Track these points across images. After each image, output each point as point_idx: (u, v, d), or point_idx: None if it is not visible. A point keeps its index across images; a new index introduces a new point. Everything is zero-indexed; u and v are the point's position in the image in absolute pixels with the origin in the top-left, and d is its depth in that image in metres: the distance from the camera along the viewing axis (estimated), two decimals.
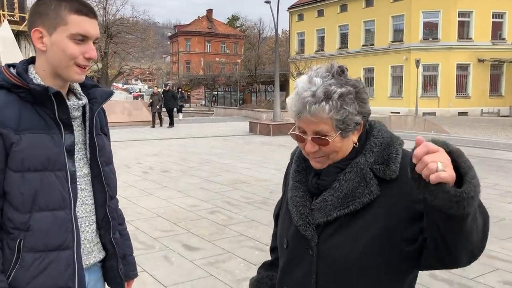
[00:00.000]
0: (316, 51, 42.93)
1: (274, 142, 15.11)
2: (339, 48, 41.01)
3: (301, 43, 45.74)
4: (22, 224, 1.39)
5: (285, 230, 1.43)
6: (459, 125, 25.72)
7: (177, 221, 5.99)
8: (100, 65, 33.37)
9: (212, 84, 51.21)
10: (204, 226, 5.80)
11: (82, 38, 1.40)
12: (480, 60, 34.18)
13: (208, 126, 21.97)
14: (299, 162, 1.42)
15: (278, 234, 1.48)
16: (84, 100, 1.53)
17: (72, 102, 1.48)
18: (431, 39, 34.58)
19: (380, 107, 31.29)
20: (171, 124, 20.61)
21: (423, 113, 31.65)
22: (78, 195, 1.49)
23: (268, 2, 20.90)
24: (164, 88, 21.37)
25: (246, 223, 5.97)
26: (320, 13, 43.17)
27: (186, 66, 68.69)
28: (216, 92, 56.49)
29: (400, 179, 1.24)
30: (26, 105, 1.40)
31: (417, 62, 31.79)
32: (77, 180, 1.49)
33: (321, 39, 43.54)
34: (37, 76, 1.45)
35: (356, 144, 1.31)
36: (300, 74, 35.11)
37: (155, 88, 22.52)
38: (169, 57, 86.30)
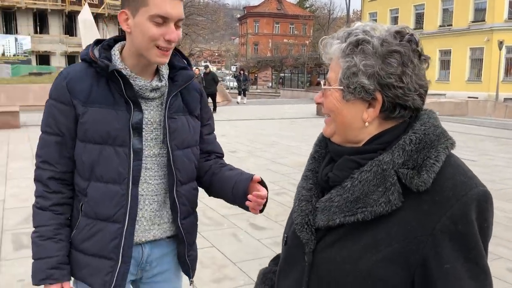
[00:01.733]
0: None
1: None
2: (414, 29, 38.81)
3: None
4: (83, 190, 1.49)
5: (288, 225, 1.23)
6: None
7: None
8: None
9: (280, 66, 51.04)
10: (271, 206, 5.84)
11: (162, 20, 1.38)
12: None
13: (275, 108, 21.99)
14: (319, 147, 1.20)
15: (285, 226, 1.28)
16: (161, 83, 1.52)
17: (144, 83, 1.48)
18: None
19: (456, 91, 29.65)
20: (214, 109, 18.07)
21: (505, 98, 29.52)
22: (141, 173, 1.50)
23: None
24: (205, 70, 19.24)
25: None
26: None
27: (254, 48, 68.90)
28: (283, 74, 56.33)
29: (432, 194, 0.96)
30: (100, 80, 1.46)
31: (500, 43, 29.59)
32: (144, 159, 1.50)
33: (395, 20, 41.69)
34: (118, 53, 1.49)
35: (366, 124, 1.04)
36: None
37: (196, 69, 19.99)
38: (237, 39, 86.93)
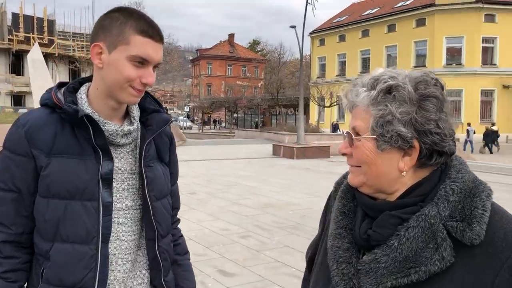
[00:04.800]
0: (337, 75, 42.95)
1: (299, 166, 14.94)
2: (361, 73, 40.88)
3: (322, 67, 45.87)
4: (45, 252, 1.32)
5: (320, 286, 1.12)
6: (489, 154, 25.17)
7: (210, 245, 5.88)
8: None
9: (234, 106, 51.58)
10: (238, 251, 5.68)
11: (142, 61, 1.29)
12: (505, 86, 33.70)
13: (231, 148, 21.97)
14: (346, 201, 1.11)
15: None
16: (133, 127, 1.40)
17: (115, 128, 1.34)
18: (454, 64, 34.28)
19: None
20: None
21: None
22: (113, 229, 1.35)
23: (294, 27, 21.12)
24: None
25: (280, 249, 5.82)
26: (342, 38, 43.35)
27: (208, 89, 69.43)
28: (236, 115, 56.85)
29: (483, 246, 0.92)
30: (65, 127, 1.32)
31: None
32: (114, 212, 1.35)
33: (343, 64, 43.61)
34: (84, 96, 1.37)
35: (403, 173, 0.99)
36: (322, 98, 35.31)
37: None
38: (190, 79, 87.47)
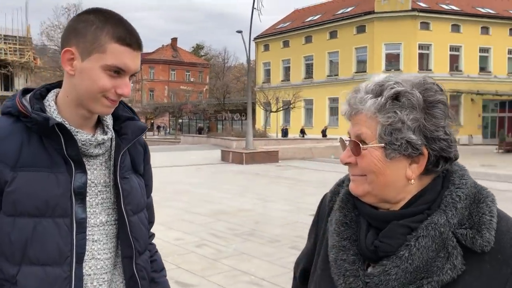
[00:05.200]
0: (282, 80, 43.53)
1: (249, 171, 14.93)
2: (305, 78, 41.75)
3: (267, 72, 46.32)
4: (11, 277, 1.17)
5: None
6: None
7: (164, 256, 5.62)
8: None
9: (178, 112, 50.89)
10: (194, 261, 5.52)
11: (118, 71, 1.19)
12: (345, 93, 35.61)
13: (178, 154, 21.59)
14: (347, 211, 1.06)
15: None
16: (108, 136, 1.29)
17: (88, 137, 1.24)
18: (393, 70, 35.75)
19: (346, 135, 31.82)
20: None
21: None
22: (87, 247, 1.23)
23: (240, 32, 21.16)
24: None
25: (237, 256, 5.73)
26: (286, 44, 44.00)
27: (150, 94, 68.05)
28: (181, 120, 56.12)
29: (493, 252, 0.91)
30: (32, 137, 1.19)
31: None
32: (89, 229, 1.24)
33: (287, 69, 44.27)
34: (53, 104, 1.24)
35: (411, 181, 0.96)
36: (268, 103, 35.62)
37: None
38: (132, 84, 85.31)
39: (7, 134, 1.18)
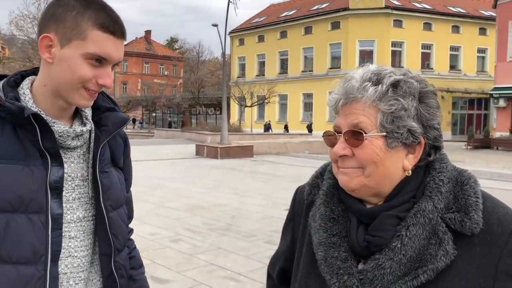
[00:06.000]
0: (256, 75, 43.52)
1: (224, 165, 14.87)
2: (279, 73, 41.84)
3: (242, 67, 46.22)
4: None
5: None
6: None
7: (139, 251, 5.60)
8: None
9: (152, 105, 50.25)
10: (170, 256, 5.46)
11: (99, 60, 1.12)
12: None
13: (152, 149, 21.31)
14: (333, 205, 1.02)
15: None
16: (87, 127, 1.23)
17: (66, 128, 1.17)
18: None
19: (319, 131, 32.13)
20: None
21: None
22: (63, 245, 1.18)
23: (216, 26, 21.00)
24: None
25: (213, 251, 5.70)
26: (261, 39, 43.98)
27: (123, 87, 66.96)
28: (155, 114, 55.47)
29: (481, 234, 0.91)
30: (5, 127, 1.12)
31: None
32: (65, 225, 1.18)
33: (262, 64, 44.27)
34: (28, 92, 1.17)
35: (408, 173, 0.95)
36: (243, 98, 35.55)
37: None
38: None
39: None
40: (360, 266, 0.96)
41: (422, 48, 36.91)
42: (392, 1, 35.84)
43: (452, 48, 37.66)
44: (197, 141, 22.51)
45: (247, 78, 42.34)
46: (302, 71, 40.10)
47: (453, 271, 0.89)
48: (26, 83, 1.20)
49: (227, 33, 46.94)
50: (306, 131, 32.33)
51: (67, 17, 1.11)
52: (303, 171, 13.38)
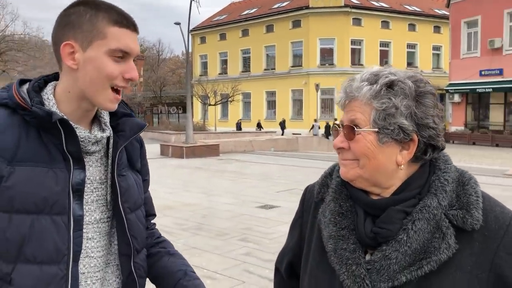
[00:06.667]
0: (219, 73, 43.44)
1: (190, 165, 14.80)
2: (242, 72, 41.92)
3: (204, 65, 46.00)
4: (5, 275, 1.14)
5: None
6: None
7: None
8: None
9: None
10: None
11: (122, 55, 1.18)
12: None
13: None
14: (342, 201, 1.10)
15: None
16: (106, 133, 1.27)
17: (87, 134, 1.22)
18: (327, 64, 36.85)
19: (278, 128, 32.52)
20: None
21: (322, 134, 33.48)
22: (82, 245, 1.22)
23: (178, 24, 20.82)
24: None
25: (187, 251, 5.70)
26: (222, 37, 43.91)
27: None
28: None
29: (481, 230, 0.99)
30: (30, 131, 1.16)
31: (317, 86, 33.61)
32: (84, 227, 1.23)
33: (224, 62, 44.22)
34: (52, 97, 1.21)
35: (400, 167, 1.03)
36: (206, 96, 35.33)
37: None
38: None
39: (4, 126, 1.13)
40: (368, 257, 1.04)
41: (380, 46, 37.91)
42: (351, 0, 36.59)
43: (409, 46, 38.89)
44: (160, 140, 22.25)
45: (210, 76, 42.18)
46: (265, 69, 40.34)
47: (454, 263, 0.97)
48: (49, 88, 1.23)
49: (189, 31, 46.73)
50: (270, 129, 32.53)
51: (82, 22, 1.15)
52: (270, 168, 13.52)
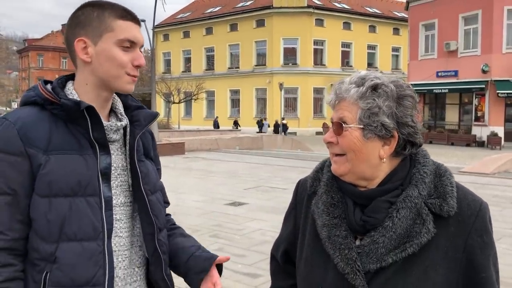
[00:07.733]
0: (183, 71, 43.13)
1: None
2: (206, 70, 41.80)
3: (168, 63, 45.56)
4: (49, 255, 1.27)
5: (318, 276, 1.22)
6: (320, 143, 28.04)
7: None
8: None
9: None
10: None
11: (129, 45, 1.32)
12: (333, 85, 37.91)
13: None
14: (334, 193, 1.22)
15: (306, 280, 1.27)
16: (124, 122, 1.42)
17: (109, 123, 1.36)
18: (290, 64, 37.30)
19: (247, 127, 32.61)
20: None
21: (289, 132, 33.86)
22: (113, 225, 1.36)
23: (143, 21, 20.57)
24: None
25: None
26: (186, 34, 43.63)
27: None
28: None
29: (456, 216, 1.13)
30: (58, 123, 1.30)
31: (281, 85, 33.97)
32: (113, 208, 1.36)
33: (188, 60, 43.94)
34: (74, 92, 1.35)
35: (383, 160, 1.15)
36: (169, 93, 34.95)
37: None
38: (16, 73, 78.76)
39: (36, 120, 1.27)
40: (358, 242, 1.17)
41: (342, 47, 38.71)
42: (314, 1, 37.15)
43: (370, 47, 39.89)
44: None
45: (173, 74, 41.81)
46: (229, 68, 40.39)
47: (433, 245, 1.11)
48: (70, 85, 1.37)
49: (151, 28, 46.06)
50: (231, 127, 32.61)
51: (91, 20, 1.30)
52: (236, 166, 13.62)
